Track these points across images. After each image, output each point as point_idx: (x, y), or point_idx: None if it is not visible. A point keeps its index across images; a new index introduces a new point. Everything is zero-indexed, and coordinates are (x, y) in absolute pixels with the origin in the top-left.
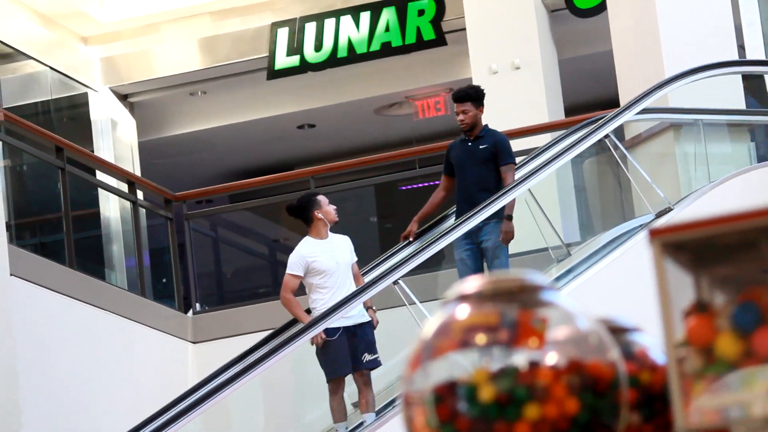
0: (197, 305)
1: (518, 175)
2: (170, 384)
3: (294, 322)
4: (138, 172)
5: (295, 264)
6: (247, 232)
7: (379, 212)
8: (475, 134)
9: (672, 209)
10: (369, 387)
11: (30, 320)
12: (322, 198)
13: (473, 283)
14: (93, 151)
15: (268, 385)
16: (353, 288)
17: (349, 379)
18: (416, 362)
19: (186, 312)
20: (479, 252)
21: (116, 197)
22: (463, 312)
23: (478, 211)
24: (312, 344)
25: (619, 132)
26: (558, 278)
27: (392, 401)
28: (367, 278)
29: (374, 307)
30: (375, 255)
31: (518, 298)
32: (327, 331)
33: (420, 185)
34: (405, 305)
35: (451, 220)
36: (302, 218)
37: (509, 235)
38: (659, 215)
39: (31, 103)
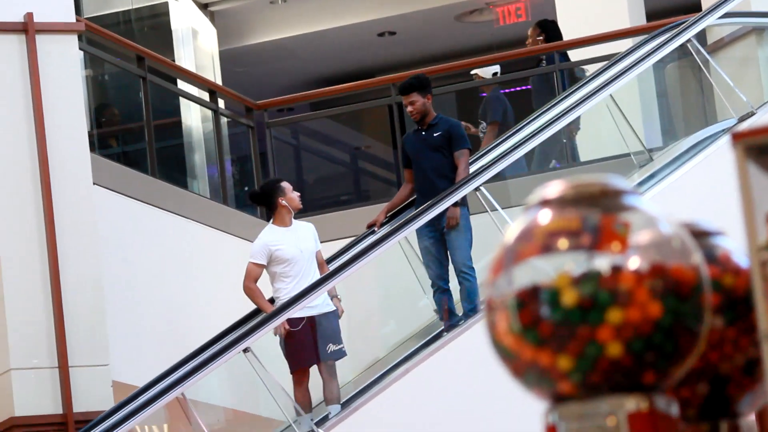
0: None
1: (601, 79)
2: None
3: (258, 311)
4: (219, 81)
5: (257, 252)
6: (329, 139)
7: (460, 119)
8: (428, 123)
9: (755, 113)
10: (334, 378)
11: (114, 228)
12: (286, 185)
13: (555, 188)
14: (174, 61)
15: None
16: (317, 277)
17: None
18: (499, 268)
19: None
20: (442, 239)
21: (198, 106)
22: (545, 217)
23: (439, 200)
24: (275, 335)
25: (701, 36)
26: (640, 183)
27: (358, 392)
28: (333, 266)
29: (339, 296)
30: None
31: (600, 203)
32: (290, 321)
33: (502, 91)
34: (487, 211)
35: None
36: (266, 205)
37: (452, 221)
38: (742, 119)
39: (112, 12)
